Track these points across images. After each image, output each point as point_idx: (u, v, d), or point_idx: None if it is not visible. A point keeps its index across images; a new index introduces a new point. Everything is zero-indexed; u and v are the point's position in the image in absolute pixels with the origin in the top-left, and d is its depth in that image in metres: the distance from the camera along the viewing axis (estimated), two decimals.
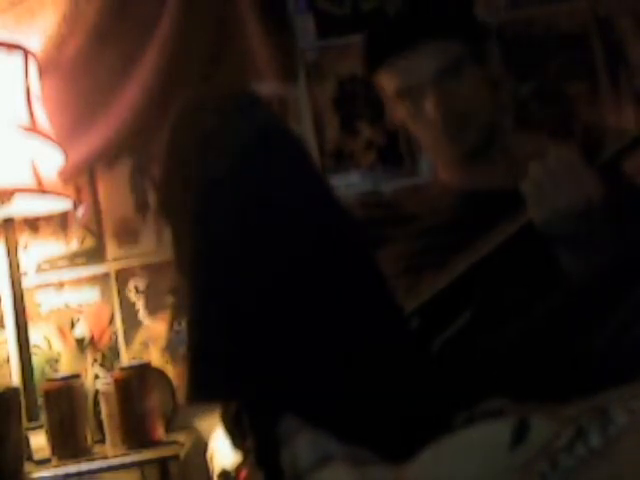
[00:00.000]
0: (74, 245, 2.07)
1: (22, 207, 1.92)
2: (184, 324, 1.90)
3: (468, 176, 1.39)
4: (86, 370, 2.02)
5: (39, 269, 2.06)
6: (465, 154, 1.36)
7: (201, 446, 1.66)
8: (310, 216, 0.96)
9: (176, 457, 1.68)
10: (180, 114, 1.00)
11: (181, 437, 1.76)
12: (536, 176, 1.13)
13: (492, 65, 1.43)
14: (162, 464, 1.75)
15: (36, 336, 2.01)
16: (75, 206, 2.05)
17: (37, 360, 2.00)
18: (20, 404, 1.69)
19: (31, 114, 1.86)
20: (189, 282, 0.97)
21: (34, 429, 1.79)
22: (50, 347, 2.04)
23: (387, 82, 1.37)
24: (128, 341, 2.04)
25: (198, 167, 0.95)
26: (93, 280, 2.06)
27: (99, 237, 2.07)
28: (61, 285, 2.06)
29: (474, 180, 1.38)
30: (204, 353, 0.93)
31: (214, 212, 0.94)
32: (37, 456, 1.75)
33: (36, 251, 2.06)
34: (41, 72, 1.97)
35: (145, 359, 1.96)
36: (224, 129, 0.95)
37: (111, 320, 2.05)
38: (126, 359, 2.02)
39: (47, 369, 2.03)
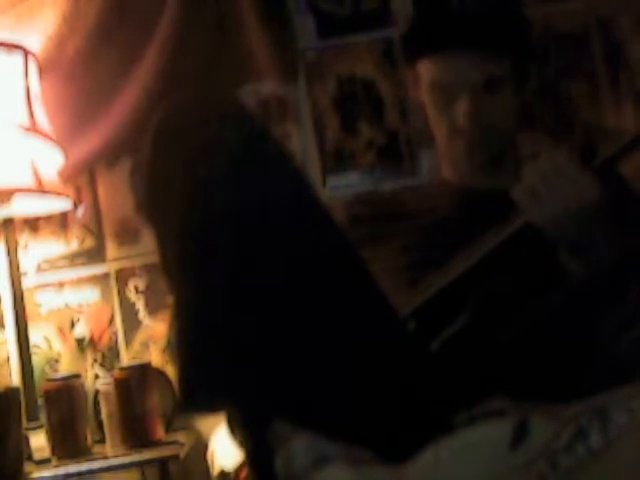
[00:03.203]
0: (74, 245, 2.07)
1: (22, 207, 1.92)
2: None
3: (474, 176, 1.39)
4: (86, 370, 2.02)
5: (39, 269, 2.06)
6: (480, 165, 1.36)
7: (201, 446, 1.66)
8: (296, 224, 0.95)
9: (176, 457, 1.68)
10: (163, 121, 1.00)
11: (181, 437, 1.76)
12: (531, 182, 1.12)
13: (528, 85, 1.42)
14: (162, 464, 1.75)
15: (36, 336, 2.01)
16: (75, 206, 2.05)
17: (37, 360, 2.00)
18: (20, 404, 1.69)
19: (31, 114, 1.86)
20: (179, 286, 0.96)
21: (34, 429, 1.79)
22: (50, 347, 2.04)
23: (426, 70, 1.35)
24: (128, 341, 2.04)
25: (185, 174, 0.95)
26: (93, 280, 2.06)
27: (99, 237, 2.07)
28: (61, 285, 2.06)
29: (479, 180, 1.38)
30: (196, 360, 0.92)
31: (205, 217, 0.94)
32: (37, 456, 1.75)
33: (36, 251, 2.06)
34: (41, 72, 1.97)
35: (145, 359, 1.96)
36: (210, 139, 0.95)
37: (111, 320, 2.05)
38: (126, 359, 2.02)
39: (47, 369, 2.02)
